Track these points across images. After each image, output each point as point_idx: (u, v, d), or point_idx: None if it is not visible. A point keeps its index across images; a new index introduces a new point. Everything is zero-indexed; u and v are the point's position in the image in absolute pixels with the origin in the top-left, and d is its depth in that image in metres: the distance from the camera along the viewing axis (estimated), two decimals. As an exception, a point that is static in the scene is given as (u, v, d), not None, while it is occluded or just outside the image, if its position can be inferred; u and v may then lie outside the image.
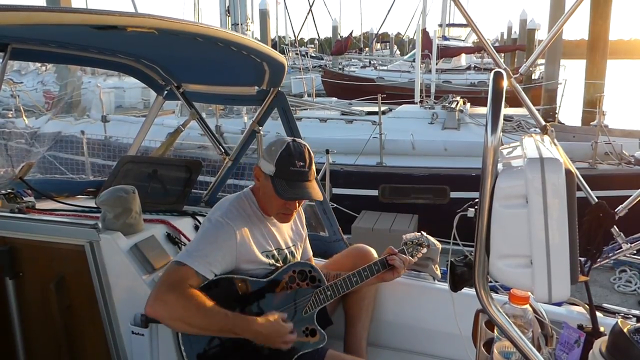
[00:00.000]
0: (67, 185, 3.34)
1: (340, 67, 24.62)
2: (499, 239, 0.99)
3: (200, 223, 2.56)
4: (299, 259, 2.16)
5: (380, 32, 34.27)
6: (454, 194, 7.19)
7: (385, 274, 2.15)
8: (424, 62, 14.62)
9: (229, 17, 11.84)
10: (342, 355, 1.98)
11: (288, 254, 2.11)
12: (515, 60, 28.01)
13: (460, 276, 1.41)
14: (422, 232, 2.32)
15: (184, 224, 2.53)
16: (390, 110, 9.50)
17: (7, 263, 2.20)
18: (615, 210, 1.81)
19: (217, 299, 1.79)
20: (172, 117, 9.48)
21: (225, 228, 1.89)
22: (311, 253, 2.33)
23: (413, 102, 10.60)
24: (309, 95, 12.81)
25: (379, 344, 1.96)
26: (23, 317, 2.28)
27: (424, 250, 2.28)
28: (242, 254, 1.91)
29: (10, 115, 9.94)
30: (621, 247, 1.97)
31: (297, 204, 2.01)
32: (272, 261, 2.01)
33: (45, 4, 12.72)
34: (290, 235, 2.16)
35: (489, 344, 1.46)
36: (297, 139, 1.99)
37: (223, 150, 2.98)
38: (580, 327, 1.62)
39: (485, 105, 1.03)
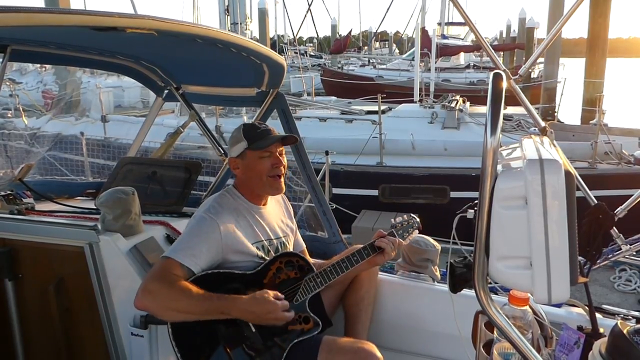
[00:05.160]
0: (67, 186, 3.34)
1: (339, 66, 24.61)
2: (499, 240, 0.99)
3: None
4: (291, 250, 2.16)
5: (379, 31, 34.27)
6: (454, 194, 7.19)
7: (376, 257, 2.13)
8: (423, 60, 14.63)
9: (228, 17, 11.87)
10: (338, 339, 1.95)
11: (279, 245, 2.11)
12: (515, 58, 27.97)
13: (460, 277, 1.40)
14: (412, 215, 2.26)
15: (184, 226, 2.51)
16: (390, 109, 9.49)
17: (7, 265, 2.20)
18: (615, 212, 1.81)
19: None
20: (172, 116, 9.47)
21: (208, 222, 1.92)
22: (304, 246, 2.33)
23: (412, 101, 10.60)
24: (308, 94, 12.81)
25: (379, 345, 1.96)
26: (22, 319, 2.28)
27: (415, 232, 2.24)
28: (229, 245, 1.93)
29: (10, 115, 9.94)
30: (620, 249, 1.97)
31: (281, 158, 2.04)
32: (262, 253, 2.02)
33: (43, 6, 12.72)
34: (280, 226, 2.17)
35: (488, 345, 1.46)
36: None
37: (222, 151, 2.98)
38: (579, 328, 1.62)
39: (485, 104, 1.03)
